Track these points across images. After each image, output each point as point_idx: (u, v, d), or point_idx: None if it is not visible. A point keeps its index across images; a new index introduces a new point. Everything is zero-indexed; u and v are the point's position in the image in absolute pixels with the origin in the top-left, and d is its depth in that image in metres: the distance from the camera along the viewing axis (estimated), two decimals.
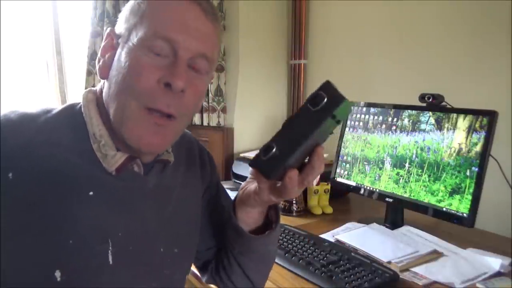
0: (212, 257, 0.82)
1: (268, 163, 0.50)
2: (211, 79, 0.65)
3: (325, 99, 0.49)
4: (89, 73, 1.66)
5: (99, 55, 0.62)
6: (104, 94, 0.61)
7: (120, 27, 0.60)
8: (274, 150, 0.50)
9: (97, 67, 0.62)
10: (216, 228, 0.81)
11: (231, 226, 0.69)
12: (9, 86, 1.63)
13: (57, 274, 0.54)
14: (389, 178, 1.25)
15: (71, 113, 0.61)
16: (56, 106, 0.63)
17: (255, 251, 0.73)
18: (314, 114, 0.49)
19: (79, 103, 0.62)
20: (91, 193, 0.57)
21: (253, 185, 0.63)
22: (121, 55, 0.58)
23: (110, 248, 0.58)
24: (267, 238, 0.69)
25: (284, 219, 1.41)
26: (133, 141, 0.57)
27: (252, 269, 0.76)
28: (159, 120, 0.57)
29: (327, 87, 0.49)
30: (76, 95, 1.78)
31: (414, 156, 1.20)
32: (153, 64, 0.55)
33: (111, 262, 0.58)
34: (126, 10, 0.60)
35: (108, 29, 0.62)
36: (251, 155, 1.75)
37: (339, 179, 1.42)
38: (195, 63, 0.58)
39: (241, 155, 1.80)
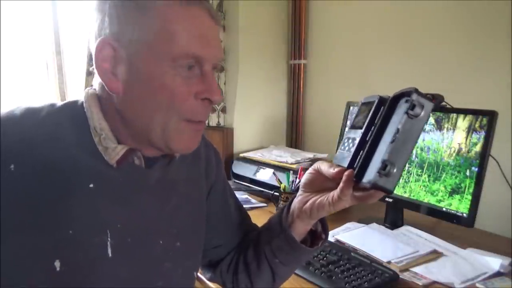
0: (221, 256, 0.82)
1: (388, 180, 0.52)
2: None
3: (423, 108, 0.52)
4: (89, 73, 1.65)
5: (99, 65, 0.57)
6: (121, 105, 0.59)
7: (123, 37, 0.55)
8: (395, 170, 0.52)
9: (102, 80, 0.57)
10: (224, 227, 0.81)
11: (284, 239, 0.70)
12: (9, 86, 1.63)
13: (57, 263, 0.55)
14: None
15: (74, 108, 0.61)
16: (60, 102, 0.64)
17: (299, 262, 0.76)
18: (416, 123, 0.52)
19: (81, 99, 0.63)
20: (91, 185, 0.58)
21: (326, 197, 0.63)
22: (144, 72, 0.56)
23: (109, 239, 0.58)
24: (316, 250, 0.73)
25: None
26: (179, 150, 0.62)
27: (284, 276, 0.78)
28: (199, 126, 0.62)
29: (418, 93, 0.53)
30: (76, 95, 1.78)
31: (414, 156, 1.20)
32: (186, 81, 0.57)
33: (110, 255, 0.59)
34: (127, 20, 0.55)
35: (103, 36, 0.56)
36: (251, 155, 1.75)
37: None
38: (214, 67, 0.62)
39: (241, 155, 1.80)
